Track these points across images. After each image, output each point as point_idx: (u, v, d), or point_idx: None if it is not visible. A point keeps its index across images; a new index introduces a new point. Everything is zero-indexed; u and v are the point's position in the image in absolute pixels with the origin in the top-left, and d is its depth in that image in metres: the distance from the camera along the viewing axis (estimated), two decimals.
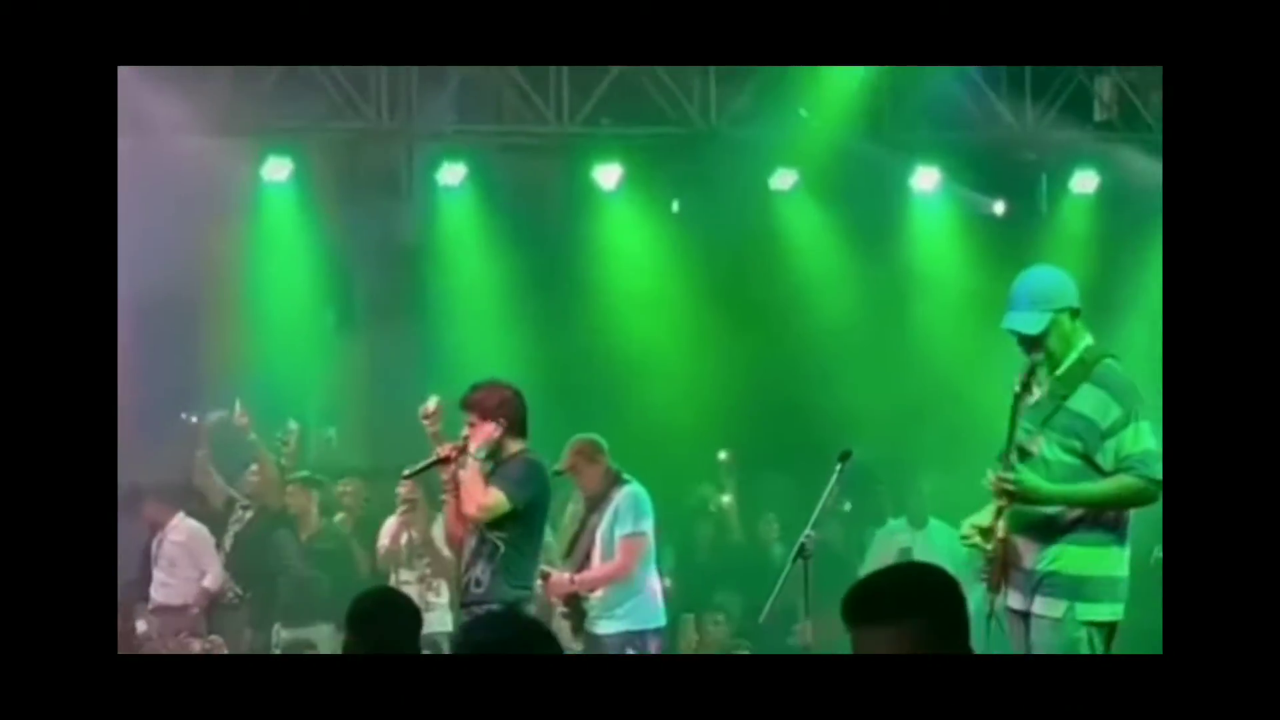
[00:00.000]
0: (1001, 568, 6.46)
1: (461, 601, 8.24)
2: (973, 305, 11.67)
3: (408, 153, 13.51)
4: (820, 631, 8.09)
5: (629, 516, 9.28)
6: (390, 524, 10.78)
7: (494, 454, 8.21)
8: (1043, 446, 6.37)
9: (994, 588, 6.53)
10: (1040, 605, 6.38)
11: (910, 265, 13.67)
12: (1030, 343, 6.45)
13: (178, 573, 11.67)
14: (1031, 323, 6.41)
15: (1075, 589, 6.32)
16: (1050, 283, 6.57)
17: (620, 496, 9.34)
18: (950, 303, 13.00)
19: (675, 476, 13.14)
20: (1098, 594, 6.35)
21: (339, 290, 14.06)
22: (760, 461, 13.16)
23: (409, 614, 5.69)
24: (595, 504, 9.39)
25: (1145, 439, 6.07)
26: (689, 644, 11.98)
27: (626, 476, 9.37)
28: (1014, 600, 6.47)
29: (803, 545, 8.77)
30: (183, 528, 11.81)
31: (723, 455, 13.21)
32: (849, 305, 13.35)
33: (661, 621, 9.67)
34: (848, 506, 12.77)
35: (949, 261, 13.43)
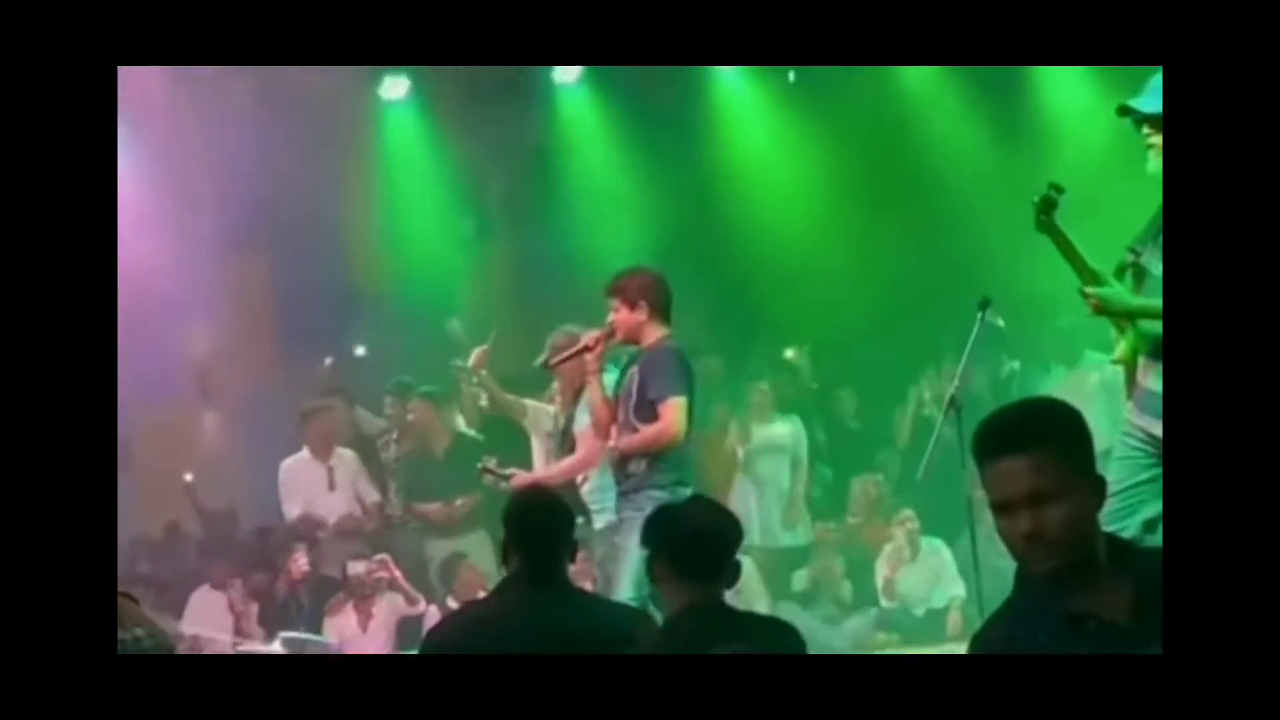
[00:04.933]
0: (1130, 388, 6.37)
1: (619, 490, 8.26)
2: (1113, 145, 11.43)
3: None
4: (978, 480, 8.02)
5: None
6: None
7: (637, 339, 8.26)
8: (1152, 262, 6.20)
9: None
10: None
11: (1038, 102, 13.44)
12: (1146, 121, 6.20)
13: (344, 495, 11.90)
14: (1146, 102, 6.18)
15: None
16: None
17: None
18: (1090, 141, 12.73)
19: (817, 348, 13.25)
20: None
21: (474, 199, 14.20)
22: (905, 325, 13.08)
23: (560, 511, 5.82)
24: (578, 397, 9.16)
25: None
26: (856, 505, 12.09)
27: (604, 365, 8.76)
28: (1143, 421, 6.30)
29: (952, 397, 8.81)
30: (347, 453, 12.06)
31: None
32: (977, 156, 13.15)
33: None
34: (1016, 364, 12.64)
35: (1080, 105, 13.16)
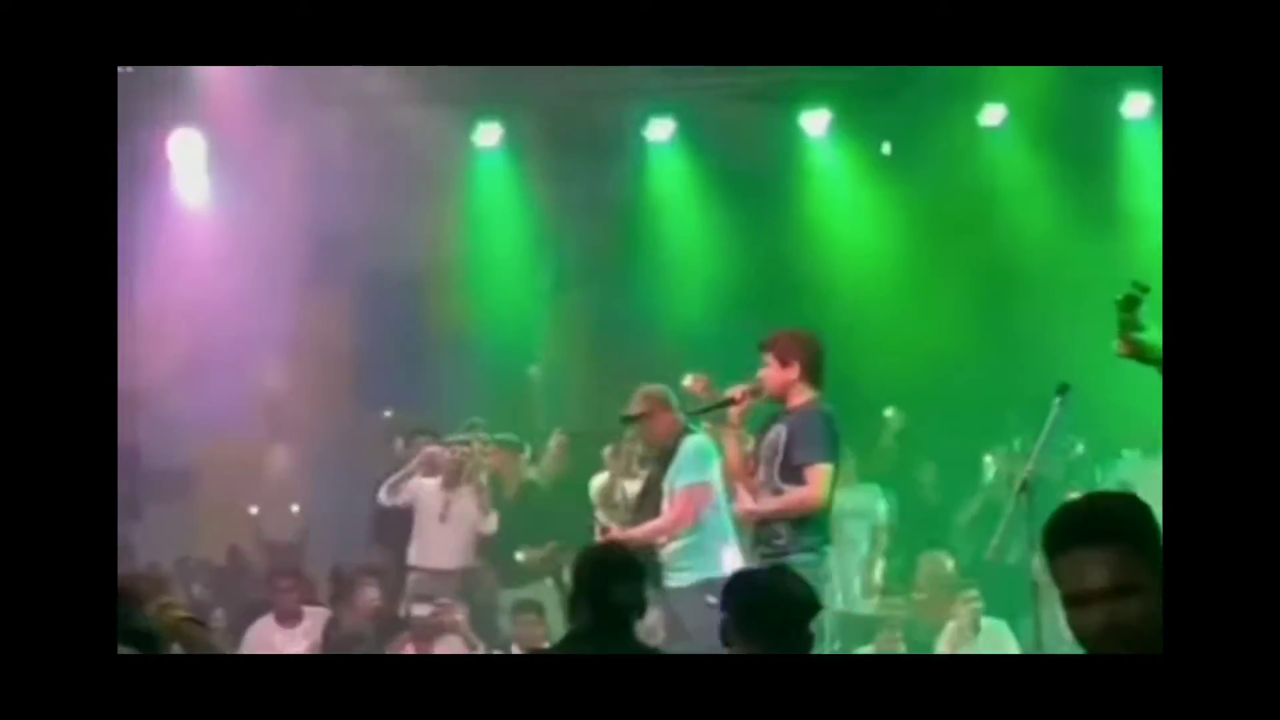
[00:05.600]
0: None
1: (760, 553, 8.09)
2: None
3: (617, 109, 13.59)
4: (1046, 566, 7.96)
5: (689, 467, 8.96)
6: (600, 479, 11.00)
7: (783, 397, 8.13)
8: None
9: None
10: None
11: (1125, 194, 13.41)
12: None
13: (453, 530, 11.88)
14: None
15: None
16: None
17: (682, 447, 9.05)
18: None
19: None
20: None
21: (557, 251, 14.27)
22: (978, 403, 13.04)
23: (633, 568, 5.86)
24: (664, 456, 9.14)
25: None
26: (923, 581, 12.03)
27: (693, 427, 9.02)
28: None
29: (1025, 481, 8.74)
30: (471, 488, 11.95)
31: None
32: (1061, 240, 13.14)
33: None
34: (1080, 448, 12.57)
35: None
